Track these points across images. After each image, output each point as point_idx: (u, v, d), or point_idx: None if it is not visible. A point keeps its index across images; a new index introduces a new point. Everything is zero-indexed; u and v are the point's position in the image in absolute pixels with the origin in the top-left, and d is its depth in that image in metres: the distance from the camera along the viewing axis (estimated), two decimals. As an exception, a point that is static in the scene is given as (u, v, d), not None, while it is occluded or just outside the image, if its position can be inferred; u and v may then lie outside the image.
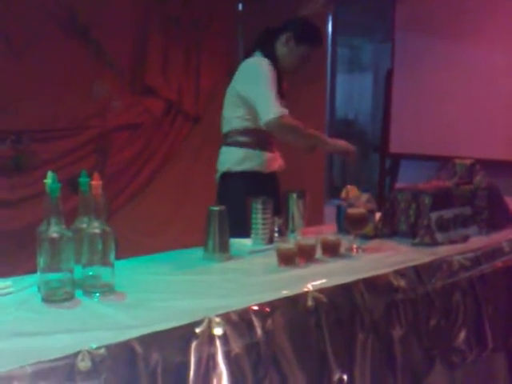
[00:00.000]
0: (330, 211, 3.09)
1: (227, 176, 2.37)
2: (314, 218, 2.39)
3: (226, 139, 2.38)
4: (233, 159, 2.34)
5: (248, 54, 2.39)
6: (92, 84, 3.32)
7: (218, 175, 2.42)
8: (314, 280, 1.54)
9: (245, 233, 1.97)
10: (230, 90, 2.37)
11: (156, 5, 3.53)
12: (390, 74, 4.16)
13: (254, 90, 2.23)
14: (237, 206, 1.94)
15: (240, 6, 4.05)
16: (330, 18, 4.44)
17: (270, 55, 2.33)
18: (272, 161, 2.38)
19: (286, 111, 2.22)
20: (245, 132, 2.32)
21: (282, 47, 2.36)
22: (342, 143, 2.32)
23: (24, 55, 3.03)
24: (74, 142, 3.27)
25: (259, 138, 2.34)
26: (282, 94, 2.35)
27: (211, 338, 1.25)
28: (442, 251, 1.91)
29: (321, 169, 4.40)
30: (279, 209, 2.08)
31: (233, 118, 2.33)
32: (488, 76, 3.60)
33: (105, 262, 1.41)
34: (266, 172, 2.37)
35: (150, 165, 3.66)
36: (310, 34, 2.37)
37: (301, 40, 2.34)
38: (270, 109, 2.18)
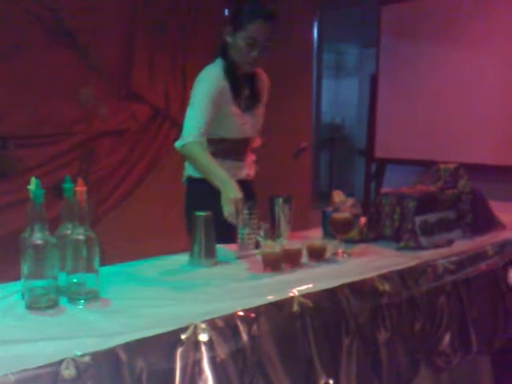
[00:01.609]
0: (316, 216, 3.10)
1: (190, 182, 2.34)
2: (300, 223, 2.39)
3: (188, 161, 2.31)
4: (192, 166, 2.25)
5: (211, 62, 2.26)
6: (78, 90, 3.31)
7: (183, 180, 2.40)
8: (299, 285, 1.54)
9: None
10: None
11: (142, 10, 3.53)
12: (374, 79, 4.20)
13: (188, 105, 2.15)
14: (200, 210, 1.86)
15: (226, 12, 4.05)
16: (316, 25, 4.47)
17: (227, 58, 2.19)
18: (236, 169, 2.27)
19: (192, 140, 2.05)
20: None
21: (229, 45, 2.18)
22: (232, 192, 1.93)
23: (10, 60, 3.01)
24: (60, 147, 3.24)
25: (222, 147, 2.24)
26: (245, 101, 2.24)
27: (197, 344, 1.25)
28: (427, 255, 1.92)
29: (308, 174, 4.42)
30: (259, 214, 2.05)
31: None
32: (473, 81, 3.64)
33: (89, 269, 1.41)
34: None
35: (136, 171, 3.65)
36: (238, 16, 2.14)
37: (235, 27, 2.14)
38: (183, 134, 2.09)
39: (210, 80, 2.15)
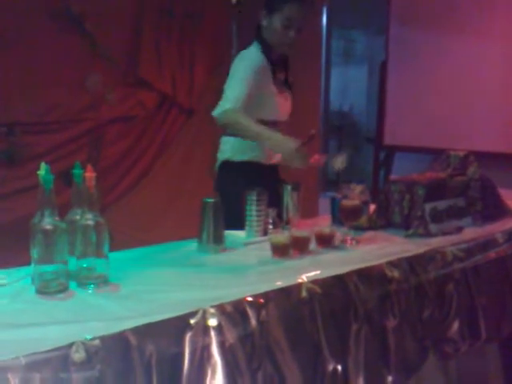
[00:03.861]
0: (324, 204, 3.09)
1: (227, 165, 2.36)
2: (308, 210, 2.39)
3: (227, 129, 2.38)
4: (233, 148, 2.33)
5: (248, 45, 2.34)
6: (86, 76, 3.30)
7: (217, 164, 2.41)
8: (308, 271, 1.54)
9: (242, 223, 1.97)
10: None
11: (150, -4, 3.52)
12: (384, 66, 4.16)
13: (226, 84, 2.20)
14: (235, 195, 1.94)
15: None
16: (325, 11, 4.43)
17: (263, 42, 2.27)
18: (273, 152, 2.35)
19: (231, 107, 2.09)
20: None
21: (264, 28, 2.27)
22: (288, 145, 2.06)
23: (17, 46, 3.00)
24: (67, 134, 3.25)
25: None
26: (280, 83, 2.31)
27: (206, 328, 1.25)
28: (436, 242, 1.91)
29: (316, 161, 4.39)
30: (280, 201, 2.08)
31: None
32: (482, 68, 3.60)
33: (99, 254, 1.41)
34: (267, 163, 2.36)
35: (144, 158, 3.65)
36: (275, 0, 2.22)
37: (271, 9, 2.22)
38: (220, 104, 2.13)
39: (252, 57, 2.22)
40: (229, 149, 2.34)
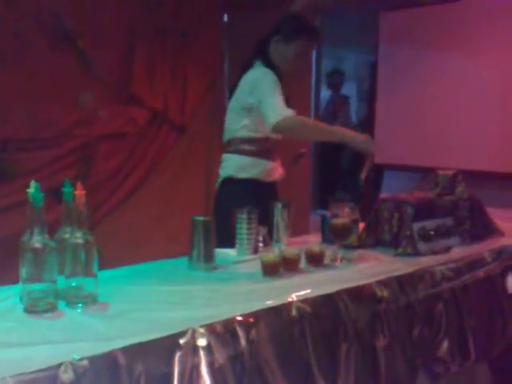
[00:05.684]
0: (314, 221, 3.10)
1: (228, 182, 2.39)
2: (299, 228, 2.39)
3: (229, 147, 2.41)
4: (235, 166, 2.36)
5: (248, 64, 2.39)
6: (77, 93, 3.31)
7: (219, 181, 2.44)
8: (298, 290, 1.55)
9: None
10: (234, 101, 2.38)
11: (142, 15, 3.54)
12: (373, 86, 4.21)
13: (261, 97, 2.24)
14: (235, 212, 1.95)
15: (225, 17, 4.06)
16: (315, 30, 4.48)
17: (269, 62, 2.34)
18: (273, 170, 2.41)
19: (292, 112, 2.22)
20: (248, 141, 2.35)
21: (274, 51, 2.36)
22: (361, 137, 2.26)
23: (10, 64, 3.01)
24: (58, 151, 3.24)
25: (261, 146, 2.36)
26: (287, 101, 2.36)
27: (195, 348, 1.24)
28: (425, 261, 1.92)
29: (306, 180, 4.42)
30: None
31: (237, 128, 2.35)
32: (471, 88, 3.65)
33: (88, 273, 1.40)
34: (267, 181, 2.39)
35: (135, 174, 3.64)
36: (296, 31, 2.35)
37: (288, 38, 2.33)
38: (276, 112, 2.19)
39: (271, 75, 2.29)
40: (231, 166, 2.37)
